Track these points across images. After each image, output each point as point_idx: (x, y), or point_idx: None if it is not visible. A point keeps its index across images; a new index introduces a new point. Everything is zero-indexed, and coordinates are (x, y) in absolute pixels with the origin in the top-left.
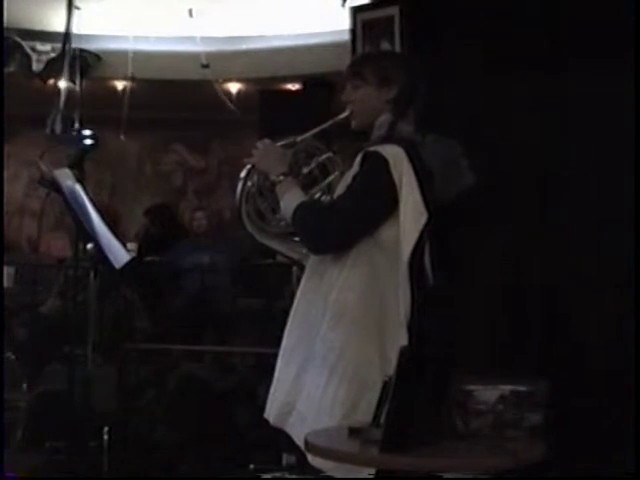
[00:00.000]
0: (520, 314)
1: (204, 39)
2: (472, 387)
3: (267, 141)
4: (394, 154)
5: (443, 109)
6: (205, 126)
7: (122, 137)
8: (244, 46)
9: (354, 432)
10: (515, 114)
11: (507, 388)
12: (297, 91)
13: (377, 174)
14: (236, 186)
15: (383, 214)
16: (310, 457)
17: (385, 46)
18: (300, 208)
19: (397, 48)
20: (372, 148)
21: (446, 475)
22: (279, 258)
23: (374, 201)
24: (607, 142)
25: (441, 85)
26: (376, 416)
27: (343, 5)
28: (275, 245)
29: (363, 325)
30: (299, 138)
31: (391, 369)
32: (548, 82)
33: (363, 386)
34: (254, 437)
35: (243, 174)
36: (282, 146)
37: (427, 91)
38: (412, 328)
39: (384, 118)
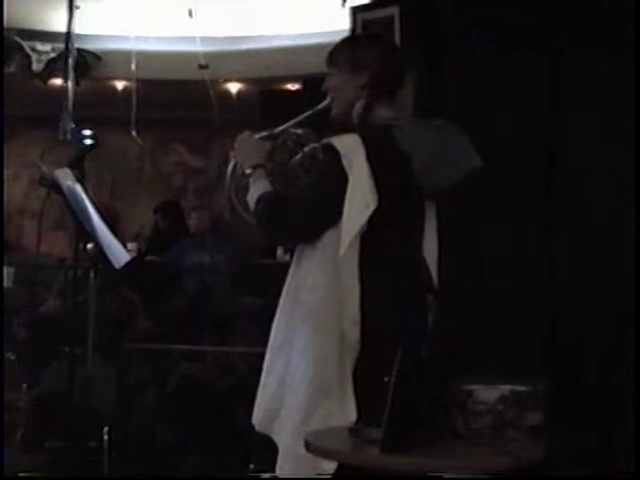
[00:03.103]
0: (520, 314)
1: (204, 39)
2: (472, 387)
3: (245, 134)
4: (348, 143)
5: (446, 105)
6: (205, 126)
7: (134, 134)
8: (244, 46)
9: (354, 432)
10: (517, 109)
11: (507, 388)
12: (297, 91)
13: (328, 165)
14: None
15: (338, 205)
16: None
17: None
18: (261, 199)
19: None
20: (326, 139)
21: (446, 475)
22: (279, 258)
23: (327, 192)
24: (608, 141)
25: (442, 83)
26: (376, 416)
27: (343, 5)
28: None
29: (326, 328)
30: (276, 130)
31: (345, 373)
32: (549, 80)
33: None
34: (254, 437)
35: (230, 167)
36: (261, 138)
37: (420, 75)
38: (365, 326)
39: (359, 105)
